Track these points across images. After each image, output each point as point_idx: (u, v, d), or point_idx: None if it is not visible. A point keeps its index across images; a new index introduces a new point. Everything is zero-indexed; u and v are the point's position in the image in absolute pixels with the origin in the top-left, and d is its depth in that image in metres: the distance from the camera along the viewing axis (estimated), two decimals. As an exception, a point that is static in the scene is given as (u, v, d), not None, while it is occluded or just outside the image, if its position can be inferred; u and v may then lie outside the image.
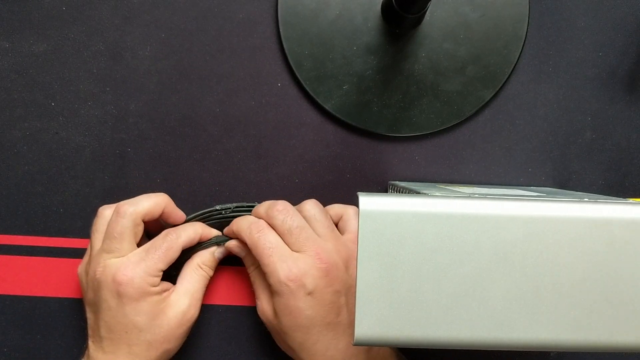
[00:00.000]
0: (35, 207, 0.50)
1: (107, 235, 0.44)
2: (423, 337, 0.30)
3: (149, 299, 0.43)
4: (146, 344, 0.43)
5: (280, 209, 0.44)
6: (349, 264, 0.44)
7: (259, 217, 0.46)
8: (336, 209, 0.48)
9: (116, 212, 0.44)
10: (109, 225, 0.45)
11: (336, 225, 0.47)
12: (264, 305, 0.45)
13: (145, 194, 0.47)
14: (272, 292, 0.43)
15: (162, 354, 0.44)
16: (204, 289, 0.47)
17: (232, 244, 0.47)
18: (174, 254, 0.45)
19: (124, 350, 0.43)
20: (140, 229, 0.45)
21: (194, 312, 0.46)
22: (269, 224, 0.45)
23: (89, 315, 0.45)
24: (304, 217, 0.45)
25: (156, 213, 0.46)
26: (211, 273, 0.48)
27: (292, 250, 0.43)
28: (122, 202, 0.45)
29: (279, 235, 0.44)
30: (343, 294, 0.43)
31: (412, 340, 0.30)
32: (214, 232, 0.48)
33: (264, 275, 0.46)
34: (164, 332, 0.44)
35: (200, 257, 0.48)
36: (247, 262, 0.48)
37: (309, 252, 0.43)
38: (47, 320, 0.50)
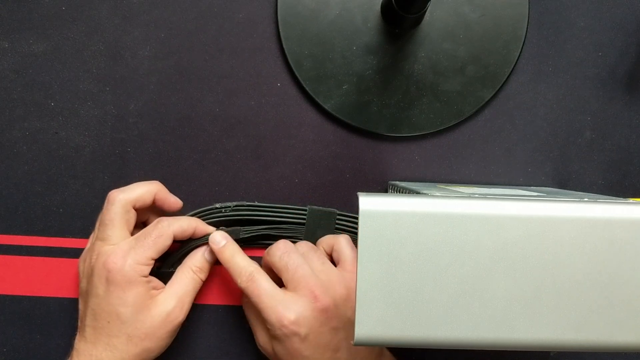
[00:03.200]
0: (35, 207, 0.50)
1: (100, 223, 0.45)
2: (423, 337, 0.30)
3: (135, 289, 0.43)
4: (126, 337, 0.43)
5: (280, 247, 0.45)
6: (349, 295, 0.44)
7: (265, 259, 0.46)
8: (327, 240, 0.48)
9: (107, 200, 0.45)
10: (101, 213, 0.45)
11: (331, 258, 0.47)
12: (263, 341, 0.45)
13: (137, 182, 0.47)
14: (269, 332, 0.43)
15: (141, 352, 0.44)
16: (194, 292, 0.47)
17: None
18: (165, 241, 0.45)
19: (103, 341, 0.43)
20: (132, 216, 0.45)
21: (178, 314, 0.45)
22: (269, 262, 0.45)
23: (80, 306, 0.45)
24: (302, 255, 0.45)
25: (147, 200, 0.46)
26: (203, 276, 0.47)
27: (288, 288, 0.43)
28: (113, 190, 0.45)
29: (278, 273, 0.44)
30: (341, 329, 0.43)
31: (413, 340, 0.30)
32: (211, 229, 0.48)
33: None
34: (145, 328, 0.43)
35: (192, 258, 0.47)
36: (244, 299, 0.48)
37: (304, 291, 0.42)
38: (46, 320, 0.50)
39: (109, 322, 0.43)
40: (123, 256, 0.43)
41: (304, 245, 0.46)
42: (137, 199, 0.45)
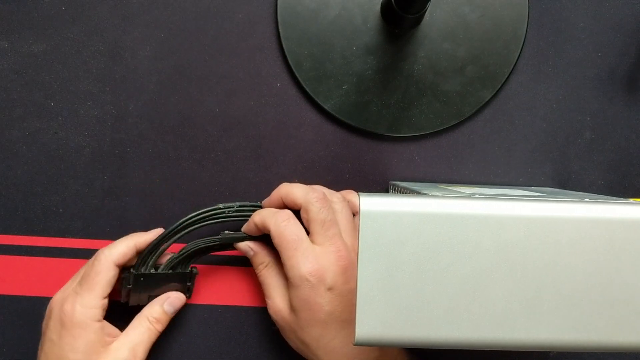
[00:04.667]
0: (35, 207, 0.50)
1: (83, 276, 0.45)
2: (424, 337, 0.30)
3: (86, 336, 0.42)
4: None
5: (319, 197, 0.44)
6: None
7: (294, 198, 0.45)
8: (354, 202, 0.47)
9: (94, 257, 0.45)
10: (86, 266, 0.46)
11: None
12: (278, 303, 0.45)
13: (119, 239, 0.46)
14: (290, 286, 0.43)
15: None
16: (148, 342, 0.45)
17: (242, 244, 0.47)
18: (107, 275, 0.44)
19: None
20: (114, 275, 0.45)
21: None
22: (303, 207, 0.44)
23: (39, 350, 0.45)
24: (332, 209, 0.45)
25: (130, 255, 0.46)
26: (159, 327, 0.46)
27: (314, 241, 0.43)
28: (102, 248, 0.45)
29: (309, 222, 0.44)
30: None
31: (413, 340, 0.30)
32: (149, 236, 0.46)
33: (276, 272, 0.46)
34: None
35: (150, 308, 0.46)
36: (257, 260, 0.47)
37: (331, 248, 0.43)
38: (46, 321, 0.50)
39: None
40: (72, 302, 0.43)
41: (340, 201, 0.46)
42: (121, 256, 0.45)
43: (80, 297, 0.43)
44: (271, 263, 0.47)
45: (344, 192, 0.48)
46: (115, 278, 0.45)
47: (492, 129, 0.50)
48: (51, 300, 0.45)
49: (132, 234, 0.47)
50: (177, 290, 0.48)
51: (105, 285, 0.44)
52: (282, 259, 0.43)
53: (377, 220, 0.30)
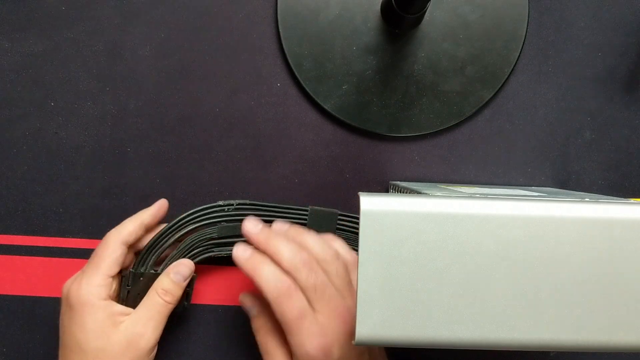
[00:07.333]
0: (35, 207, 0.50)
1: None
2: (424, 337, 0.30)
3: (94, 314, 0.42)
4: None
5: (305, 261, 0.41)
6: None
7: (279, 259, 0.41)
8: (342, 254, 0.44)
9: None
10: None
11: None
12: None
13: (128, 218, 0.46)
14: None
15: None
16: (159, 316, 0.44)
17: (246, 299, 0.46)
18: (113, 253, 0.44)
19: None
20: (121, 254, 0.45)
21: (139, 341, 0.42)
22: (290, 274, 0.40)
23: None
24: (324, 270, 0.41)
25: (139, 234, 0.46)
26: (169, 299, 0.44)
27: (313, 308, 0.40)
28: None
29: (302, 289, 0.40)
30: (366, 352, 0.41)
31: (413, 340, 0.30)
32: (153, 210, 0.47)
33: (277, 339, 0.43)
34: (106, 357, 0.41)
35: (159, 281, 0.45)
36: (258, 322, 0.45)
37: (333, 313, 0.40)
38: (46, 320, 0.50)
39: (72, 351, 0.42)
40: (79, 281, 0.43)
41: (329, 261, 0.42)
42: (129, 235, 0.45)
43: (86, 276, 0.43)
44: (272, 330, 0.44)
45: (326, 236, 0.45)
46: (123, 257, 0.45)
47: (492, 129, 0.50)
48: (62, 288, 0.45)
49: (138, 212, 0.47)
50: None
51: (111, 264, 0.44)
52: (285, 333, 0.40)
53: (377, 220, 0.30)
